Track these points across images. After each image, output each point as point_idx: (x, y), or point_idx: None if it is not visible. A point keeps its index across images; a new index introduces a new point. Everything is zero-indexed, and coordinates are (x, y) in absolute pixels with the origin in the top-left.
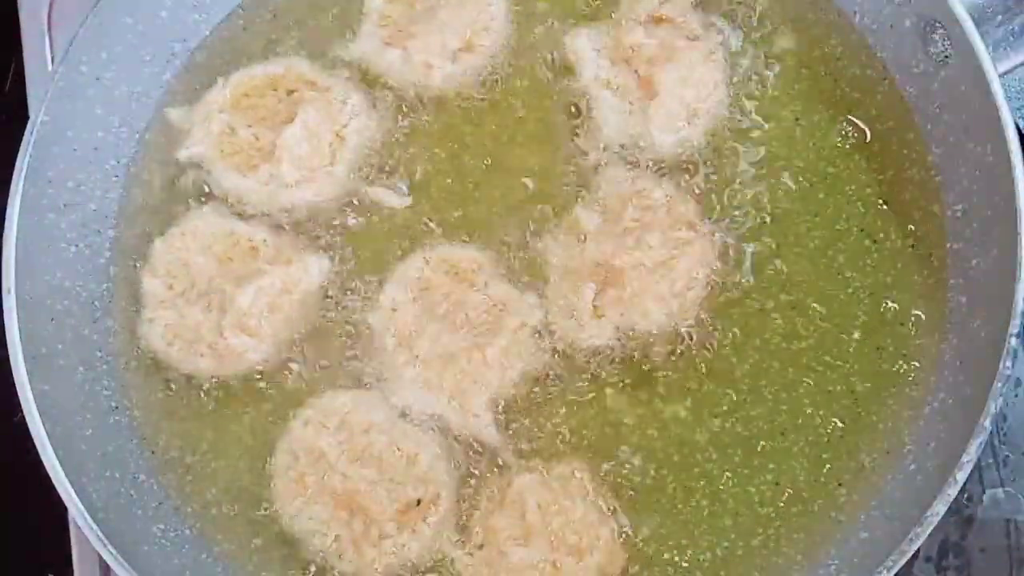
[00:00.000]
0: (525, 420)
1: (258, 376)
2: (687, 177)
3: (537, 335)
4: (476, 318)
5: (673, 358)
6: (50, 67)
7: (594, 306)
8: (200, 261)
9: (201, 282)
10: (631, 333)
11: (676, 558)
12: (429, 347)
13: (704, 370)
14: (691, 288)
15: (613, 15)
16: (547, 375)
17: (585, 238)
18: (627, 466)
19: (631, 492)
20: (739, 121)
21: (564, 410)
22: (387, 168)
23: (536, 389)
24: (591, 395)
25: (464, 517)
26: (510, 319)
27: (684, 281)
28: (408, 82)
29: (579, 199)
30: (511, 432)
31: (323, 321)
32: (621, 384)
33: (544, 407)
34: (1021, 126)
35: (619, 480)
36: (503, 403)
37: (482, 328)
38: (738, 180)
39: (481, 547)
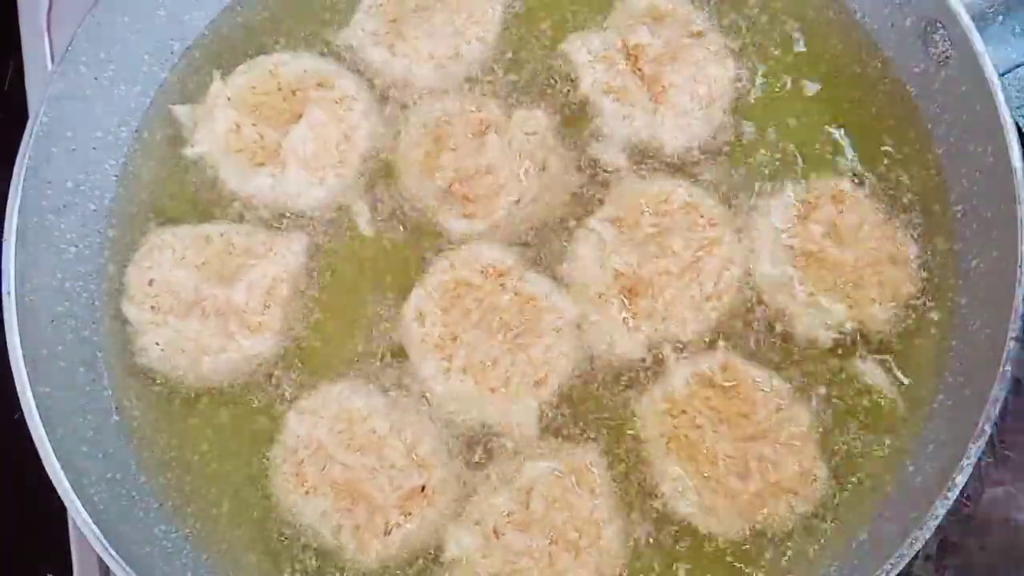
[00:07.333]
0: (560, 414)
1: (260, 372)
2: (701, 174)
3: (576, 331)
4: (511, 320)
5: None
6: (49, 67)
7: (623, 318)
8: (178, 274)
9: (186, 294)
10: (665, 341)
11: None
12: (468, 355)
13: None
14: (725, 288)
15: (606, 24)
16: (590, 373)
17: (605, 249)
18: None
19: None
20: (742, 119)
21: (598, 409)
22: (383, 174)
23: (575, 387)
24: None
25: (466, 495)
26: (547, 315)
27: (714, 281)
28: (392, 80)
29: (591, 210)
30: (543, 425)
31: (331, 323)
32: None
33: (581, 404)
34: (1021, 125)
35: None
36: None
37: (520, 328)
38: (748, 174)
39: (478, 523)
